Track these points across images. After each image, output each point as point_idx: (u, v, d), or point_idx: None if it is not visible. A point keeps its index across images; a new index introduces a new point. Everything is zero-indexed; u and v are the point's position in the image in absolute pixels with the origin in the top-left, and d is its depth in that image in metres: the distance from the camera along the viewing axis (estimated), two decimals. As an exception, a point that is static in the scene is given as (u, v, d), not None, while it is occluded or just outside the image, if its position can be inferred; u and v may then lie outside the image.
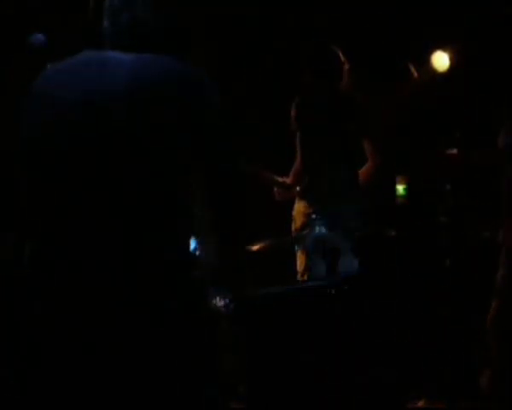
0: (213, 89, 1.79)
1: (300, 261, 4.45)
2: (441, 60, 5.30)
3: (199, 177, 1.76)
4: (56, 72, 1.79)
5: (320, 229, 3.54)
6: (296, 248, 4.40)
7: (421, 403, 4.00)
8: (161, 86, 1.72)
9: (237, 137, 1.86)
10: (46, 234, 1.73)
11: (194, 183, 1.75)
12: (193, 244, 1.86)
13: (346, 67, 4.26)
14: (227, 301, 2.84)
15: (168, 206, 1.72)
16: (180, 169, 1.72)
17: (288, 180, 4.52)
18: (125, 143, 1.69)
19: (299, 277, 4.38)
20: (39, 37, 2.18)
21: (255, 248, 3.73)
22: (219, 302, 2.82)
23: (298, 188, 4.45)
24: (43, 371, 1.68)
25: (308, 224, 4.29)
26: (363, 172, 4.24)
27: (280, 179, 4.53)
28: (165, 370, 1.67)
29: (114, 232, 1.68)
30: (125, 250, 1.68)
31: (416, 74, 4.39)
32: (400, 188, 4.85)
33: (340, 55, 4.27)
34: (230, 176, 1.80)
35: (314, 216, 3.93)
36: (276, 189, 4.56)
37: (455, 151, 4.23)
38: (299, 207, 4.56)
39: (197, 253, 1.92)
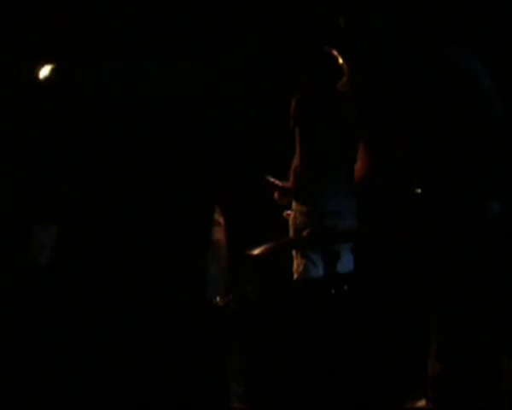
0: (242, 106, 1.84)
1: (297, 262, 4.44)
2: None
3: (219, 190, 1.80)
4: (92, 81, 1.84)
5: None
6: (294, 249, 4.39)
7: (421, 403, 3.99)
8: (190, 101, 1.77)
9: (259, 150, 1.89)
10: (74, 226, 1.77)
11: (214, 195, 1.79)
12: None
13: (344, 68, 4.26)
14: (227, 300, 2.84)
15: (189, 218, 1.75)
16: (203, 181, 1.76)
17: (288, 184, 4.51)
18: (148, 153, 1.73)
19: (295, 277, 4.38)
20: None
21: (256, 252, 3.73)
22: (220, 302, 2.83)
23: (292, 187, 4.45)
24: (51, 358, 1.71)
25: (308, 224, 4.29)
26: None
27: (280, 184, 4.52)
28: (166, 371, 1.68)
29: (137, 237, 1.71)
30: (142, 256, 1.71)
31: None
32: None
33: (338, 56, 4.27)
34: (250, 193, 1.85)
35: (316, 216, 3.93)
36: (276, 193, 4.55)
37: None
38: (296, 208, 4.55)
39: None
